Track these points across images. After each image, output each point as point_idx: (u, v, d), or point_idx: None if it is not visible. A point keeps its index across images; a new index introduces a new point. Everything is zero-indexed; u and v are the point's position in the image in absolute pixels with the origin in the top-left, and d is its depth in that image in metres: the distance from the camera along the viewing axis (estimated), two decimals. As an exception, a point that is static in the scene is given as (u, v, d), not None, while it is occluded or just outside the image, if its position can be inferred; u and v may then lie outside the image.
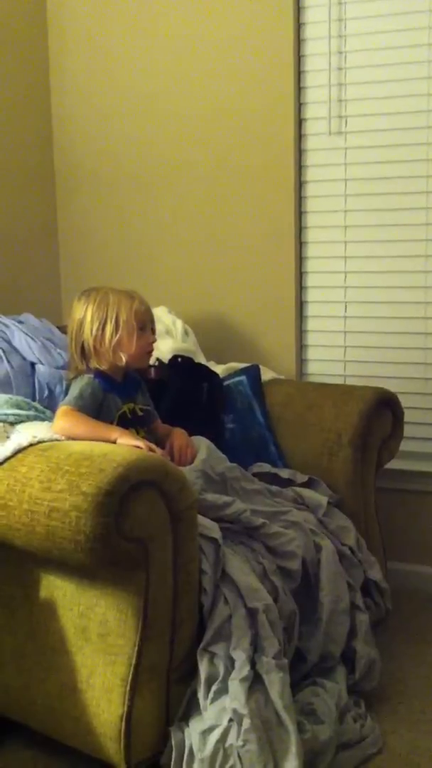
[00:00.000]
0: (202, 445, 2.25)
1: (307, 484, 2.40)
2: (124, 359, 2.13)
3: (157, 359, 2.59)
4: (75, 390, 2.10)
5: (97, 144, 3.02)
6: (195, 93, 2.87)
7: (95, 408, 2.09)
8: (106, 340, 2.13)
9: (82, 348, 2.15)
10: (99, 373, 2.15)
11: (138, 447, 1.91)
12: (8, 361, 2.32)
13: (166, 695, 1.84)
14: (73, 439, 1.95)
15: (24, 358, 2.37)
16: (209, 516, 2.03)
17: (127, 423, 2.15)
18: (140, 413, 2.20)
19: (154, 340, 2.22)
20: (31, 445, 1.89)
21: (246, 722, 1.75)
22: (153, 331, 2.22)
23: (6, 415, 2.07)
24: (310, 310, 2.89)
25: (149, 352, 2.21)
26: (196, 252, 2.95)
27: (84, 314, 2.15)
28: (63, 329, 2.56)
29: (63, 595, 1.85)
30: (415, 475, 2.80)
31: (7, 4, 2.85)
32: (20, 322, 2.49)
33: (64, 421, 2.02)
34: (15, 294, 2.84)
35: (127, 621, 1.77)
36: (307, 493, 2.35)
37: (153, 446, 1.99)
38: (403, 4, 2.64)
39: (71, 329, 2.17)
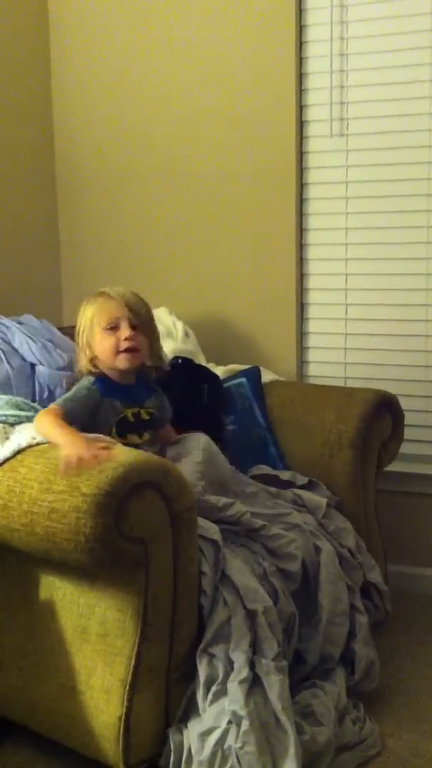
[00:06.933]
0: (201, 441, 2.22)
1: (307, 486, 2.40)
2: (104, 361, 2.13)
3: (158, 360, 2.58)
4: (71, 391, 2.11)
5: (97, 146, 3.02)
6: (196, 95, 2.87)
7: (88, 411, 2.08)
8: (84, 344, 2.15)
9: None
10: (101, 377, 2.14)
11: (76, 457, 1.77)
12: (8, 362, 2.32)
13: (165, 696, 1.83)
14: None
15: (24, 359, 2.37)
16: (210, 517, 2.03)
17: (128, 427, 2.14)
18: (145, 417, 2.18)
19: (126, 337, 2.11)
20: (30, 446, 1.89)
21: (245, 724, 1.74)
22: (133, 327, 2.12)
23: (6, 416, 2.07)
24: (311, 312, 2.90)
25: (126, 351, 2.11)
26: (198, 253, 2.95)
27: (78, 320, 2.17)
28: (63, 330, 2.56)
29: (62, 595, 1.85)
30: (416, 477, 2.80)
31: (8, 5, 2.85)
32: (20, 323, 2.49)
33: (41, 419, 1.97)
34: (15, 295, 2.83)
35: (127, 622, 1.77)
36: (306, 495, 2.35)
37: (92, 458, 1.77)
38: (405, 7, 2.64)
39: (75, 335, 2.19)
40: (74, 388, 2.11)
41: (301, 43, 2.76)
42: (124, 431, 2.12)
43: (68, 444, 1.83)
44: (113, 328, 2.12)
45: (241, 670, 1.81)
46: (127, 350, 2.12)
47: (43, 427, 1.94)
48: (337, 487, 2.42)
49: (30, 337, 2.41)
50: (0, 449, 1.89)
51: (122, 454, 1.78)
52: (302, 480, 2.42)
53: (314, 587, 2.13)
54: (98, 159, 3.03)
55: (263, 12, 2.74)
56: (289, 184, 2.81)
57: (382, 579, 2.36)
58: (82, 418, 2.05)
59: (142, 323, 2.16)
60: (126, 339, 2.11)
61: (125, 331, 2.12)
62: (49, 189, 3.08)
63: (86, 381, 2.13)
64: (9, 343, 2.39)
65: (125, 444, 2.01)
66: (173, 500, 1.78)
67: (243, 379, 2.64)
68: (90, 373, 2.15)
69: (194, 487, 1.99)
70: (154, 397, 2.23)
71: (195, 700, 1.83)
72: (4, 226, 2.87)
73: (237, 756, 1.73)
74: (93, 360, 2.15)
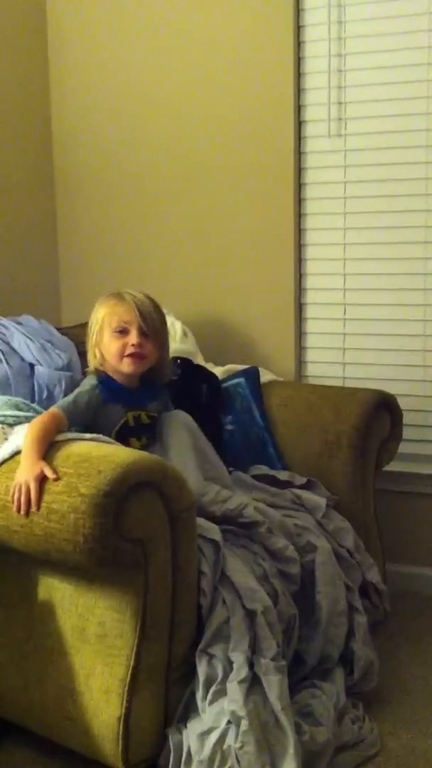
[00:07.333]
0: (181, 420, 2.18)
1: (306, 486, 2.40)
2: (110, 362, 2.14)
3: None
4: (73, 393, 2.11)
5: (96, 146, 3.02)
6: (195, 95, 2.87)
7: (89, 415, 2.09)
8: (93, 344, 2.15)
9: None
10: (105, 378, 2.14)
11: (25, 487, 1.76)
12: (7, 363, 2.32)
13: (164, 697, 1.84)
14: None
15: (23, 360, 2.37)
16: (212, 511, 2.03)
17: (129, 431, 2.14)
18: (146, 421, 2.18)
19: (134, 343, 2.10)
20: (29, 446, 1.88)
21: (244, 724, 1.75)
22: (143, 334, 2.12)
23: (5, 416, 2.07)
24: (310, 312, 2.90)
25: (131, 356, 2.11)
26: (196, 254, 2.95)
27: (90, 318, 2.18)
28: (62, 330, 2.57)
29: (61, 596, 1.85)
30: (414, 477, 2.80)
31: (6, 5, 2.85)
32: (19, 323, 2.49)
33: (32, 425, 1.90)
34: (14, 295, 2.83)
35: (126, 622, 1.77)
36: (305, 494, 2.35)
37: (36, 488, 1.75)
38: (403, 7, 2.64)
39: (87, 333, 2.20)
40: (77, 390, 2.11)
41: (299, 43, 2.76)
42: (125, 436, 2.12)
43: (23, 467, 1.79)
44: (122, 331, 2.12)
45: (241, 670, 1.81)
46: (132, 355, 2.12)
47: (28, 433, 1.87)
48: (336, 486, 2.42)
49: (29, 338, 2.41)
50: (-1, 450, 1.89)
51: (121, 455, 1.78)
52: (301, 480, 2.42)
53: (311, 586, 2.12)
54: (96, 159, 3.03)
55: (261, 12, 2.74)
56: (287, 184, 2.81)
57: (380, 578, 2.36)
58: (82, 420, 2.06)
59: (153, 331, 2.15)
60: (133, 345, 2.11)
61: (134, 338, 2.11)
62: (47, 189, 3.08)
63: (89, 384, 2.13)
64: (8, 344, 2.39)
65: None
66: (172, 500, 1.78)
67: (241, 379, 2.64)
68: (96, 371, 2.15)
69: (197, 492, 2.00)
70: (159, 401, 2.23)
71: (194, 700, 1.83)
72: (3, 226, 2.87)
73: (236, 756, 1.73)
74: (100, 360, 2.16)
